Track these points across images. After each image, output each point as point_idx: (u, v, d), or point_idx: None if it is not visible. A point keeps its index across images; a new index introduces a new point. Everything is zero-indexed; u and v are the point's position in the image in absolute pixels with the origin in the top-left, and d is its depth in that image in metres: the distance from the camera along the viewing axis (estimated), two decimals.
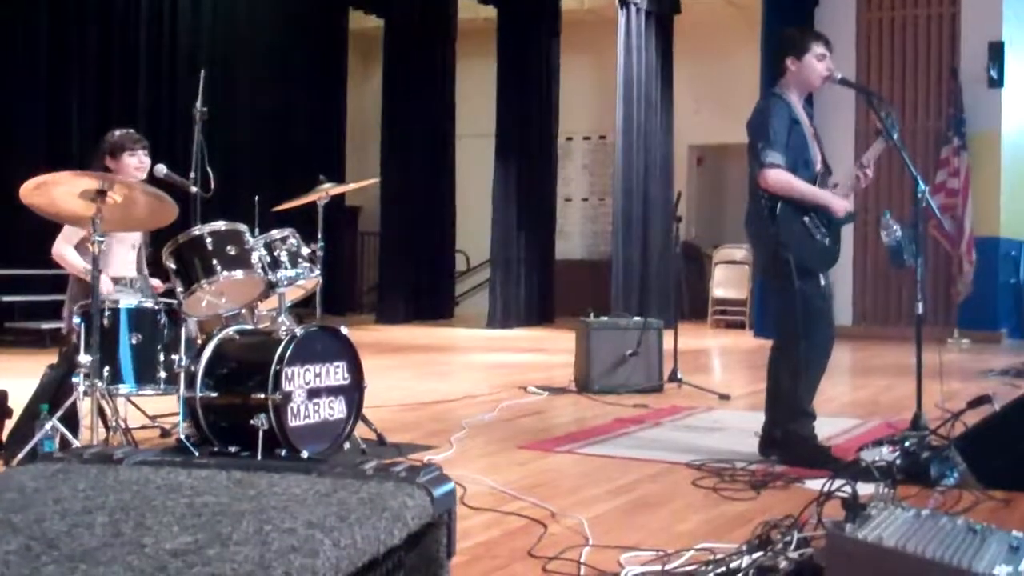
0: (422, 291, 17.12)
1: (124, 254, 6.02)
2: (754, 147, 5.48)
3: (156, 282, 6.18)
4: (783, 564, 3.36)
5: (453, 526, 2.56)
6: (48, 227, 5.71)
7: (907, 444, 5.11)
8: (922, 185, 5.78)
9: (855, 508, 3.31)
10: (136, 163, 6.02)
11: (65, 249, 5.93)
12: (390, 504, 2.30)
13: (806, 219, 5.44)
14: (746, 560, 3.46)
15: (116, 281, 5.90)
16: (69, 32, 13.28)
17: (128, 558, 1.85)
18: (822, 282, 5.59)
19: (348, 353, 5.66)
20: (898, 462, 4.84)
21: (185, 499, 2.30)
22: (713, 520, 4.46)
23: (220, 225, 5.63)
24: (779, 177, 5.37)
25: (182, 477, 2.52)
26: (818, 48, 5.61)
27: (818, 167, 5.60)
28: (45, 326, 11.37)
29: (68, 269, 5.98)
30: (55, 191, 4.95)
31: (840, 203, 5.57)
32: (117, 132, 6.11)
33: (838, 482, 3.72)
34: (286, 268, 5.73)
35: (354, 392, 5.65)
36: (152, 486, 2.43)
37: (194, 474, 2.55)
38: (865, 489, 3.87)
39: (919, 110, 14.31)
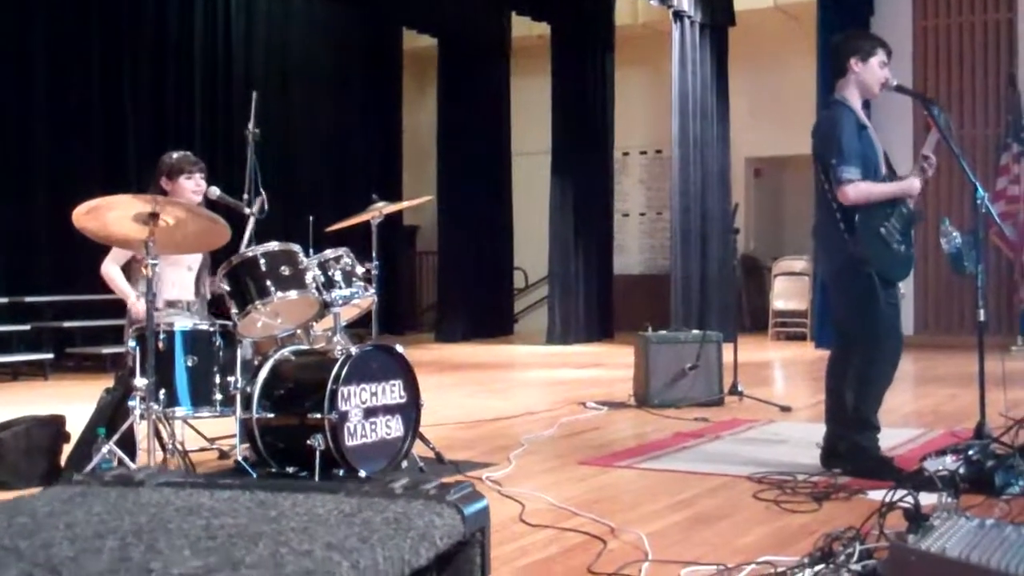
0: (481, 309, 17.14)
1: (176, 276, 5.99)
2: (825, 162, 5.43)
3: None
4: None
5: (487, 544, 2.48)
6: (106, 252, 5.76)
7: (971, 453, 5.03)
8: (981, 191, 5.68)
9: (918, 519, 3.26)
10: (193, 186, 5.94)
11: (112, 269, 5.88)
12: (416, 523, 2.24)
13: (882, 230, 5.39)
14: (808, 573, 3.41)
15: (171, 304, 5.81)
16: (123, 57, 13.42)
17: None
18: (901, 291, 5.54)
19: (404, 371, 5.66)
20: (962, 471, 4.76)
21: (202, 521, 2.25)
22: (775, 533, 4.40)
23: (273, 245, 5.64)
24: (858, 190, 5.34)
25: (203, 498, 2.47)
26: (882, 55, 5.60)
27: (883, 171, 5.55)
28: (106, 351, 11.45)
29: (113, 289, 5.95)
30: (108, 215, 4.96)
31: (913, 183, 5.53)
32: (175, 154, 6.04)
33: (900, 493, 3.66)
34: (340, 287, 5.73)
35: (411, 410, 5.65)
36: (171, 508, 2.38)
37: (216, 495, 2.50)
38: (928, 499, 3.81)
39: (977, 117, 14.15)
